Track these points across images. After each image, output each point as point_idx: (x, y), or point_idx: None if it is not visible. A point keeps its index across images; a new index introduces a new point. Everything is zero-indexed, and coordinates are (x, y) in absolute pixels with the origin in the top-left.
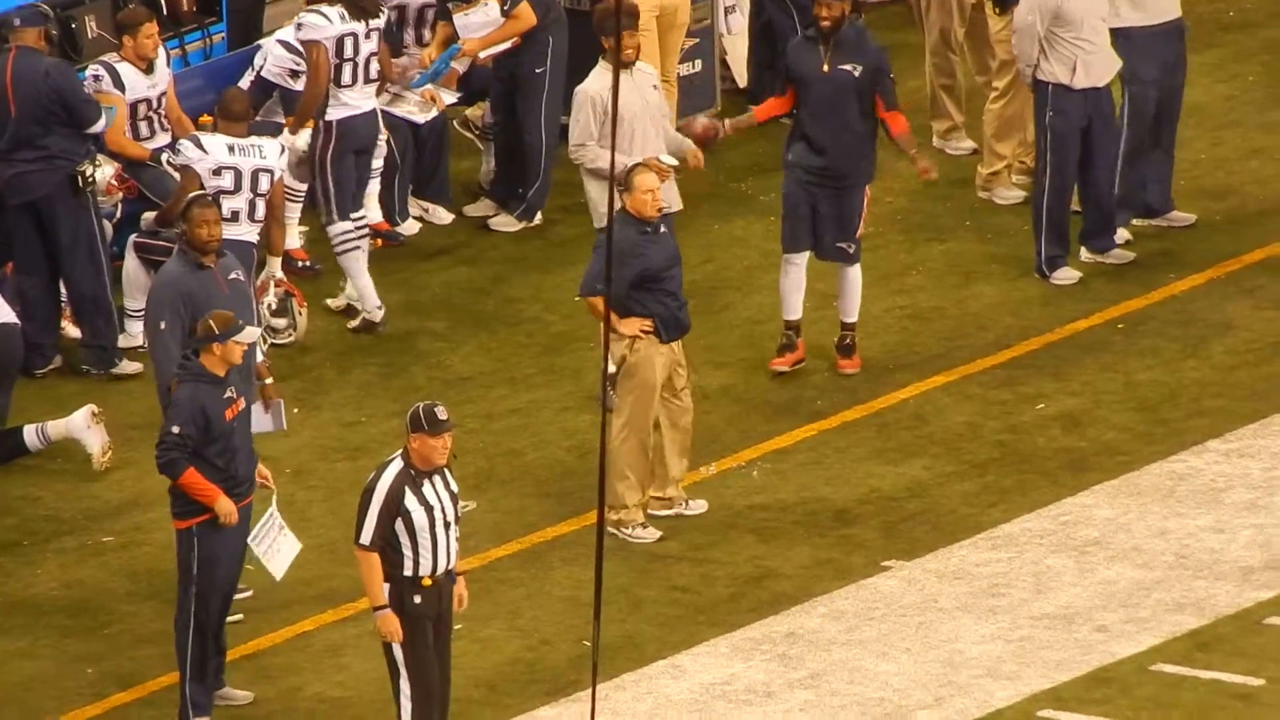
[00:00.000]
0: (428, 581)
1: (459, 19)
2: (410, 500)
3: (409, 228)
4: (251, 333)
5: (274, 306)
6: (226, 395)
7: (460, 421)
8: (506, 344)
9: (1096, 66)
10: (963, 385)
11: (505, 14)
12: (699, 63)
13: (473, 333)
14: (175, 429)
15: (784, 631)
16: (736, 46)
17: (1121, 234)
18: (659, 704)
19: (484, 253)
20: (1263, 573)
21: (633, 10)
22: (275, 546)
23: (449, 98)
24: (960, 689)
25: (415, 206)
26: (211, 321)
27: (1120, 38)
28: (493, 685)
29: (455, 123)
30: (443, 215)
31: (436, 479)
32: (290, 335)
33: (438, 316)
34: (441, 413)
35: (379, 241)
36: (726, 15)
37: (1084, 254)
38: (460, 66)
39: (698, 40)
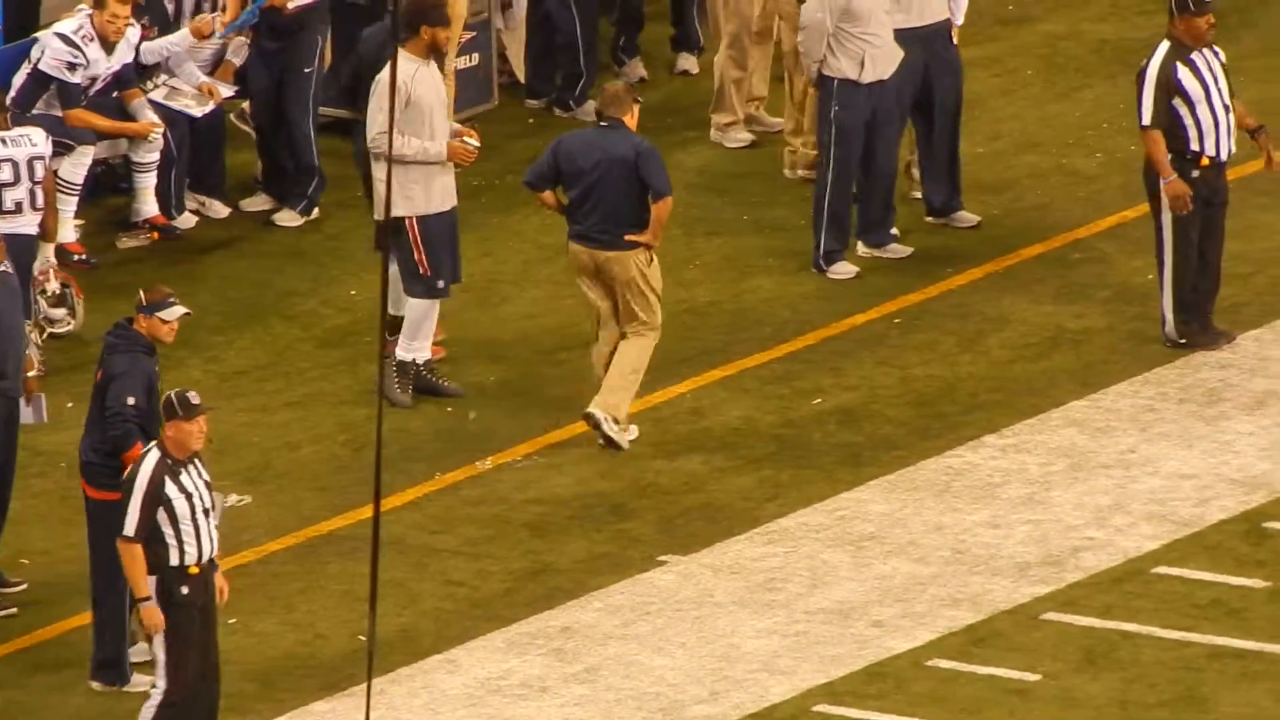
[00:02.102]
0: (194, 569)
1: None
2: (170, 488)
3: (185, 221)
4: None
5: (53, 296)
6: None
7: (235, 415)
8: (283, 338)
9: (882, 60)
10: (740, 380)
11: None
12: (476, 56)
13: (249, 326)
14: (131, 400)
15: (559, 626)
16: (514, 41)
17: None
18: (434, 698)
19: (261, 246)
20: (1039, 568)
21: (442, 3)
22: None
23: (226, 91)
24: (736, 684)
25: (192, 200)
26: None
27: None
28: (267, 679)
29: (232, 116)
30: (219, 209)
31: (192, 467)
32: (69, 325)
33: (214, 310)
34: (194, 397)
35: (155, 235)
36: (504, 10)
37: (861, 248)
38: (237, 59)
39: (475, 34)
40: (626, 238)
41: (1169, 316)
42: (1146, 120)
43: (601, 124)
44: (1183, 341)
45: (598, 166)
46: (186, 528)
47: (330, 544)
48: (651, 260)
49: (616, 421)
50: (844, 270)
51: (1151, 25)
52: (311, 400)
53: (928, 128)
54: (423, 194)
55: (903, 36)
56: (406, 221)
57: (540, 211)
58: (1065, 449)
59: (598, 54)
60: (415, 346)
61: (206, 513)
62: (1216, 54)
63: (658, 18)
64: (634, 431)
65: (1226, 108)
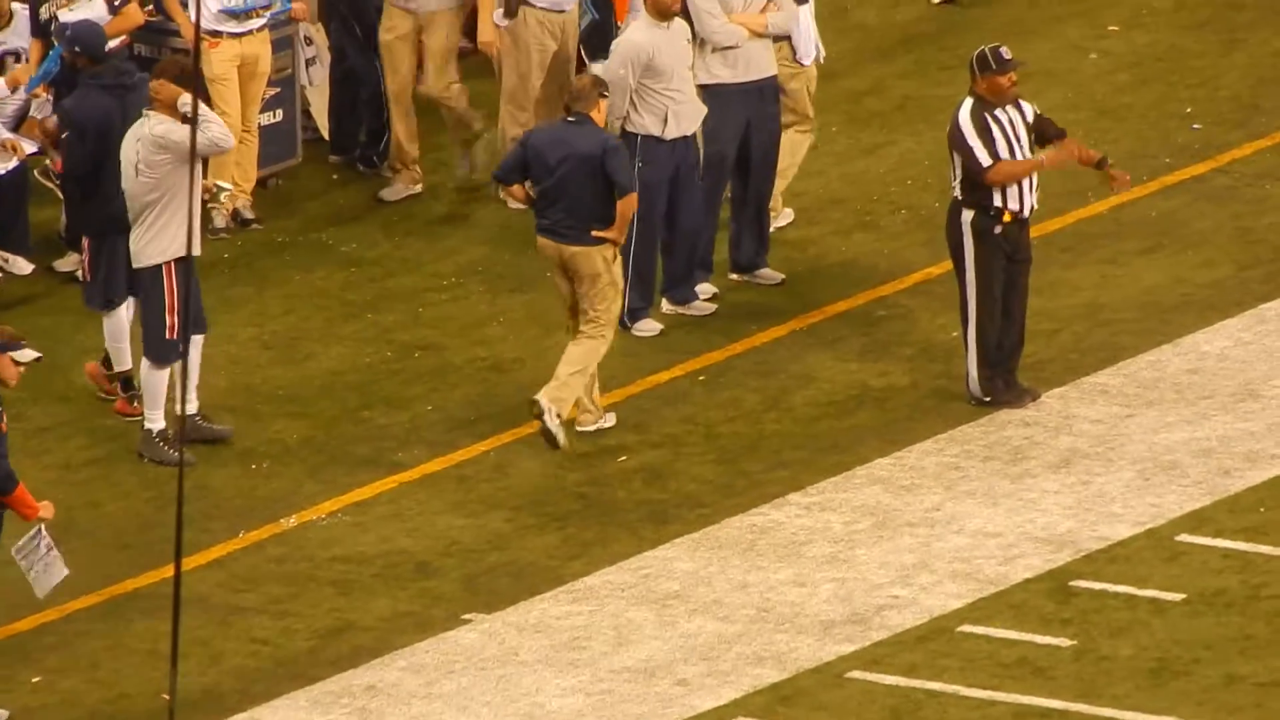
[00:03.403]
0: None
1: (63, 15)
2: None
3: None
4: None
5: None
6: None
7: (40, 473)
8: (84, 394)
9: (685, 117)
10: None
11: (114, 10)
12: (280, 112)
13: (52, 383)
14: None
15: (364, 684)
16: (318, 97)
17: (705, 288)
18: None
19: (64, 302)
20: (843, 626)
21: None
22: (44, 565)
23: (29, 147)
24: None
25: None
26: None
27: (709, 94)
28: None
29: (36, 172)
30: (23, 265)
31: None
32: None
33: None
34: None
35: None
36: (308, 66)
37: (665, 305)
38: (40, 114)
39: (279, 90)
40: (593, 233)
41: (974, 374)
42: (987, 161)
43: (569, 119)
44: (987, 399)
45: (565, 161)
46: None
47: (134, 602)
48: (616, 257)
49: (559, 416)
50: (648, 327)
51: (954, 81)
52: (115, 457)
53: (742, 183)
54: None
55: (728, 92)
56: (165, 269)
57: (345, 269)
58: (870, 507)
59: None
60: (158, 416)
61: None
62: (1022, 110)
63: None
64: (610, 419)
65: (1057, 167)
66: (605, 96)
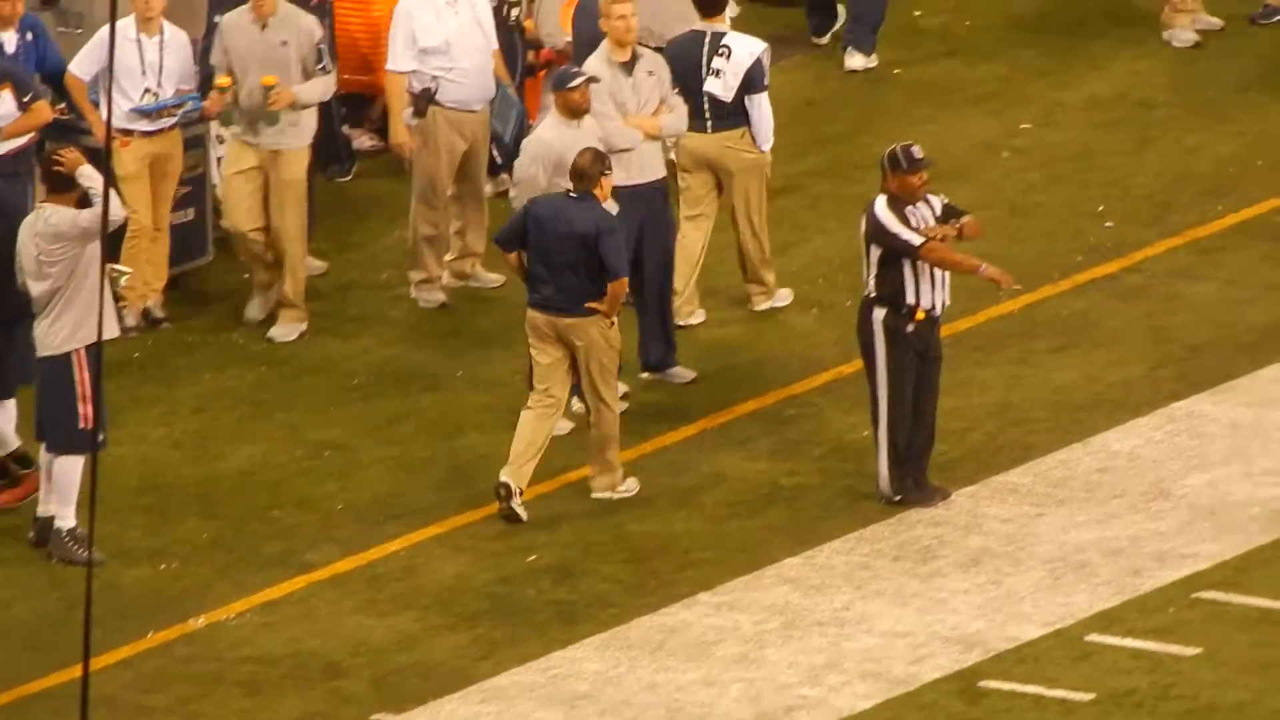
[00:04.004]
0: None
1: None
2: None
3: None
4: None
5: None
6: None
7: None
8: None
9: None
10: (454, 536)
11: (23, 107)
12: (191, 211)
13: None
14: None
15: None
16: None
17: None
18: None
19: None
20: None
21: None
22: None
23: None
24: None
25: None
26: None
27: None
28: None
29: None
30: None
31: None
32: None
33: None
34: None
35: None
36: (218, 164)
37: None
38: None
39: (190, 188)
40: (586, 305)
41: (884, 473)
42: (918, 240)
43: (571, 195)
44: (897, 498)
45: (562, 237)
46: None
47: (42, 702)
48: (612, 324)
49: (618, 488)
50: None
51: (867, 180)
52: (22, 558)
53: (641, 285)
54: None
55: (624, 195)
56: (74, 357)
57: (255, 368)
58: (780, 606)
59: (314, 209)
60: (70, 513)
61: None
62: (931, 205)
63: None
64: (632, 485)
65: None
66: (607, 174)
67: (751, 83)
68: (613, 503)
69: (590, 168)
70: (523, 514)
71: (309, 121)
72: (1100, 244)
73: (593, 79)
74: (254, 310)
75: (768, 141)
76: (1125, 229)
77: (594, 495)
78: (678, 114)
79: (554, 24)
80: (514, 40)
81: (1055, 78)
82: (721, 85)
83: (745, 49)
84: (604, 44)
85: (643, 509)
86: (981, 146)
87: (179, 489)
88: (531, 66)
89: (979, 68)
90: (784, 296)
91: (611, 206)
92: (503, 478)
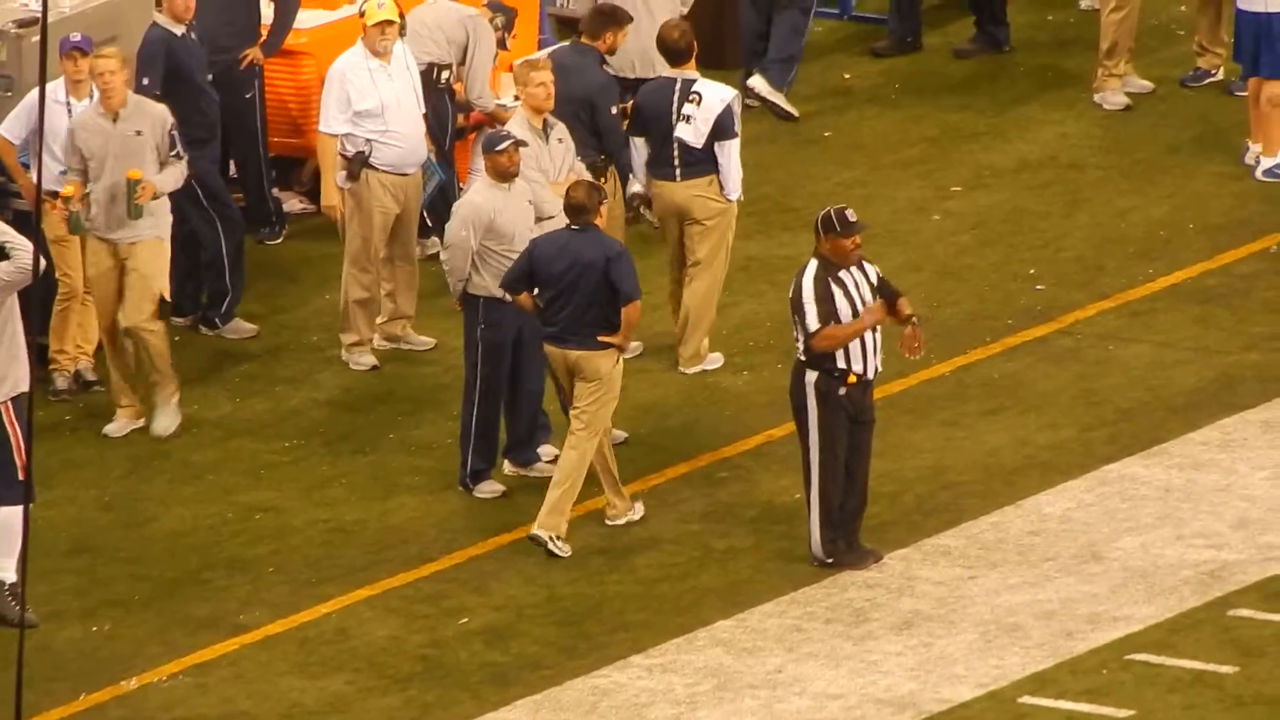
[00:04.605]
0: None
1: None
2: None
3: None
4: None
5: None
6: None
7: None
8: None
9: None
10: (386, 599)
11: None
12: None
13: None
14: None
15: None
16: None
17: (547, 449)
18: None
19: None
20: None
21: None
22: None
23: None
24: None
25: None
26: None
27: None
28: None
29: None
30: None
31: None
32: None
33: None
34: None
35: None
36: None
37: (507, 467)
38: None
39: None
40: (599, 338)
41: (816, 535)
42: (814, 327)
43: (573, 227)
44: (830, 561)
45: (570, 270)
46: None
47: None
48: (620, 362)
49: (560, 539)
50: (490, 489)
51: (797, 243)
52: None
53: None
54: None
55: None
56: (2, 410)
57: (187, 430)
58: (712, 669)
59: (243, 272)
60: (11, 565)
61: None
62: (865, 271)
63: None
64: (639, 510)
65: (874, 325)
66: (604, 202)
67: (722, 130)
68: (545, 565)
69: (588, 200)
70: (566, 552)
71: (164, 212)
72: (1031, 307)
73: (520, 142)
74: (116, 428)
75: (736, 190)
76: (1056, 292)
77: (531, 533)
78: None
79: (483, 87)
80: (444, 103)
81: (986, 140)
82: (692, 131)
83: (716, 95)
84: (520, 111)
85: (575, 571)
86: (912, 209)
87: (110, 550)
88: (461, 130)
89: (909, 130)
90: (715, 360)
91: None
92: (534, 530)
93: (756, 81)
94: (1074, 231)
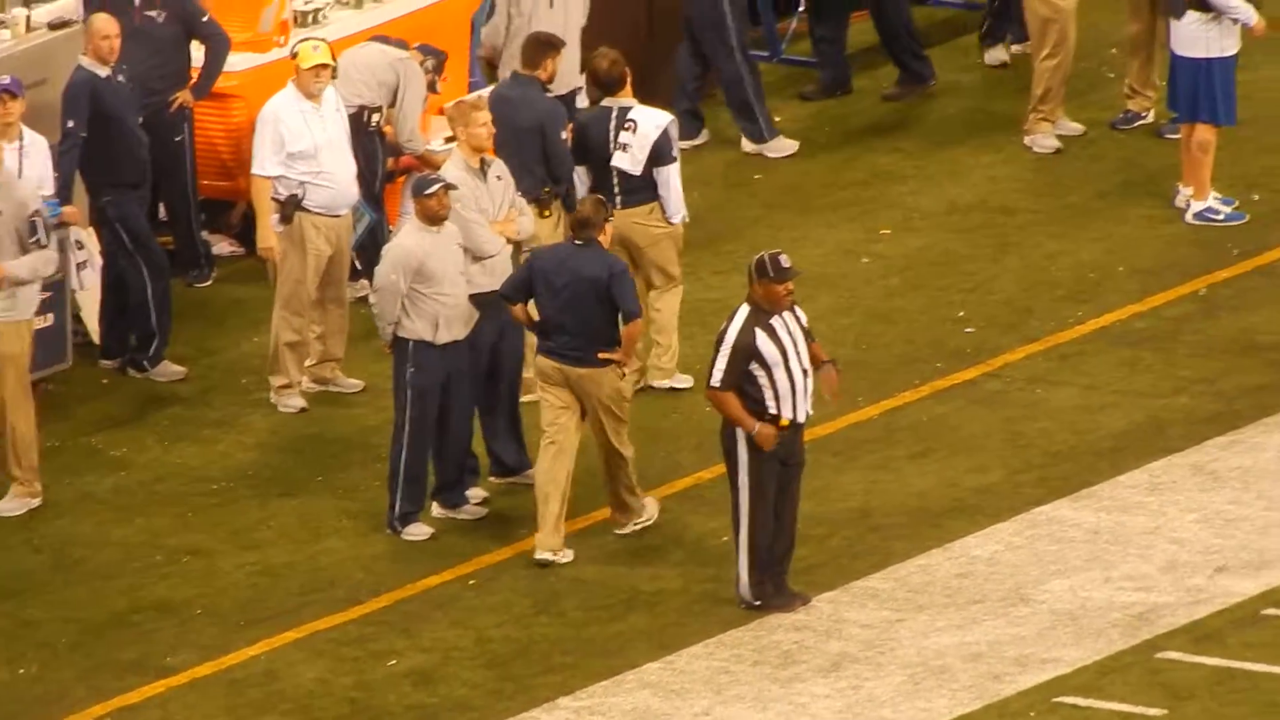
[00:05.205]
0: None
1: None
2: None
3: None
4: None
5: None
6: None
7: None
8: None
9: (456, 322)
10: (313, 641)
11: None
12: (51, 316)
13: None
14: None
15: None
16: (89, 301)
17: (476, 491)
18: None
19: None
20: None
21: None
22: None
23: None
24: None
25: None
26: None
27: (472, 302)
28: None
29: None
30: None
31: None
32: None
33: None
34: None
35: None
36: (79, 270)
37: (436, 509)
38: None
39: (50, 294)
40: (599, 355)
41: (744, 577)
42: (716, 382)
43: (576, 242)
44: (758, 603)
45: (570, 285)
46: None
47: None
48: (624, 376)
49: (560, 552)
50: (419, 531)
51: (727, 285)
52: None
53: (494, 389)
54: None
55: (484, 300)
56: None
57: (114, 473)
58: (640, 711)
59: (170, 315)
60: None
61: None
62: (798, 316)
63: None
64: (651, 509)
65: (804, 371)
66: (610, 219)
67: (660, 155)
68: (472, 607)
69: (594, 215)
70: (569, 558)
71: (28, 295)
72: (960, 349)
73: (450, 186)
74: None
75: (679, 213)
76: (985, 335)
77: (617, 532)
78: (527, 216)
79: (413, 130)
80: (374, 146)
81: (915, 183)
82: (629, 159)
83: (651, 122)
84: (457, 151)
85: (502, 614)
86: (842, 252)
87: (38, 593)
88: (391, 173)
89: (839, 174)
90: (683, 380)
91: (467, 313)
92: (537, 554)
93: (745, 144)
94: (1003, 274)
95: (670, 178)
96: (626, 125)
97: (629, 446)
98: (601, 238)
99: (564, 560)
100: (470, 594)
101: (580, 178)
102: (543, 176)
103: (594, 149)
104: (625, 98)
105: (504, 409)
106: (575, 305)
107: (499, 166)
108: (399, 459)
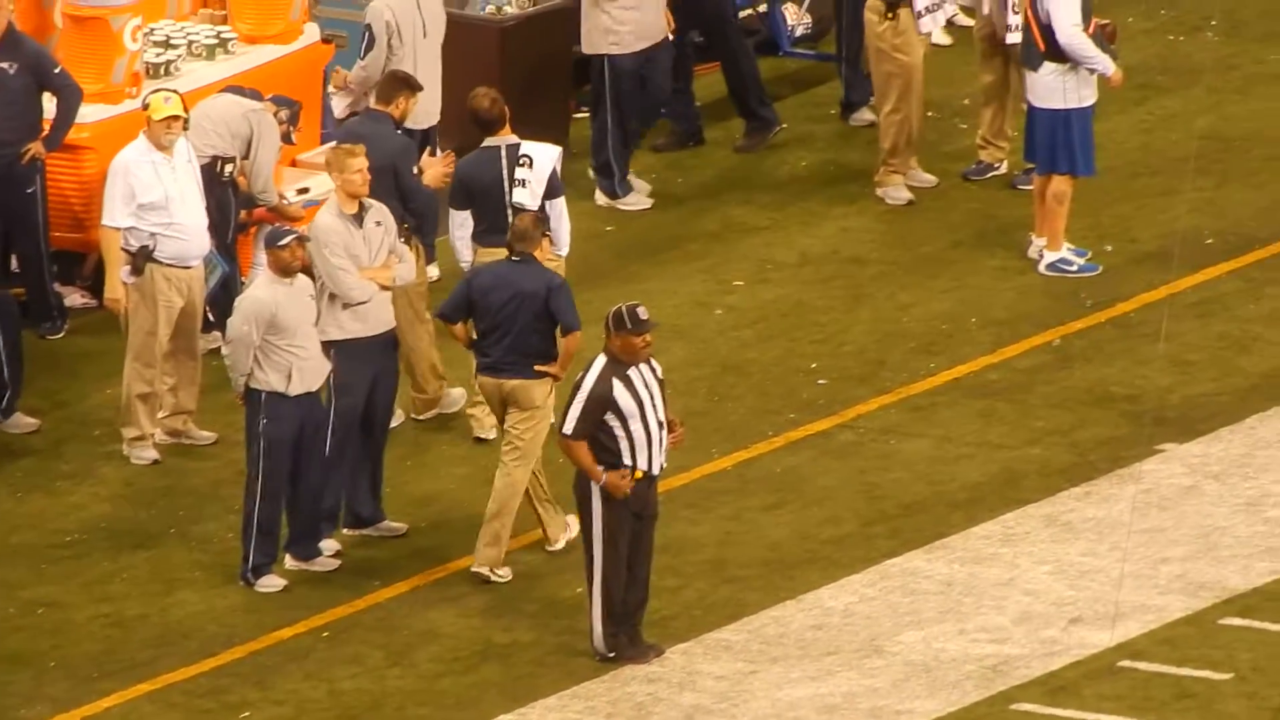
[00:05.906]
0: None
1: None
2: None
3: None
4: None
5: None
6: None
7: None
8: None
9: (309, 373)
10: (167, 694)
11: None
12: None
13: None
14: None
15: None
16: None
17: (329, 544)
18: None
19: None
20: None
21: None
22: None
23: None
24: None
25: None
26: None
27: (341, 349)
28: None
29: None
30: None
31: None
32: None
33: None
34: None
35: None
36: None
37: (289, 561)
38: None
39: None
40: (536, 368)
41: (598, 629)
42: (568, 430)
43: (513, 259)
44: (611, 655)
45: (510, 301)
46: None
47: None
48: (553, 391)
49: (498, 570)
50: (271, 583)
51: (586, 335)
52: None
53: (362, 438)
54: None
55: (360, 346)
56: None
57: (49, 497)
58: None
59: (23, 366)
60: None
61: None
62: (654, 369)
63: None
64: (505, 574)
65: (660, 423)
66: (548, 234)
67: (553, 189)
68: (326, 659)
69: (532, 229)
70: (508, 577)
71: None
72: (813, 401)
73: (303, 238)
74: None
75: (566, 246)
76: (838, 386)
77: (473, 569)
78: (408, 263)
79: (267, 181)
80: (227, 196)
81: (768, 235)
82: (529, 194)
83: (545, 156)
84: (333, 198)
85: (355, 666)
86: (694, 304)
87: None
88: (244, 224)
89: (691, 225)
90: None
91: (319, 365)
92: (474, 567)
93: (599, 197)
94: (855, 326)
95: (561, 210)
96: (521, 161)
97: (528, 474)
98: (538, 252)
99: (498, 577)
100: (323, 646)
101: (460, 224)
102: (400, 213)
103: (484, 192)
104: (508, 135)
105: (370, 458)
106: (514, 320)
107: (380, 212)
108: (252, 511)
